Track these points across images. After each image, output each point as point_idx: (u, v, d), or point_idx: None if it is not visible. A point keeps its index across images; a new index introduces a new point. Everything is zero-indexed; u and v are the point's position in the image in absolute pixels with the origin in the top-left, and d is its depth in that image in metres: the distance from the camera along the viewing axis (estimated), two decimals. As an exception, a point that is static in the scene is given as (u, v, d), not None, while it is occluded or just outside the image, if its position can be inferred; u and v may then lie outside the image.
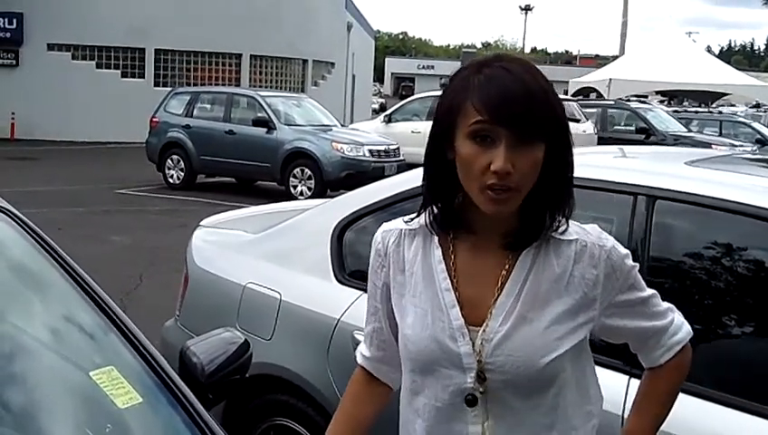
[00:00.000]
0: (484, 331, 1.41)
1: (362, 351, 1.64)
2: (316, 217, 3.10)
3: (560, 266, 1.42)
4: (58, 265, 1.77)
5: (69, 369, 1.62)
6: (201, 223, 3.61)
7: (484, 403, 1.42)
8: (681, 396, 2.03)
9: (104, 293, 1.74)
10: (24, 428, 1.47)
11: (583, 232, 1.45)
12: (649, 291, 1.53)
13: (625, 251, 1.48)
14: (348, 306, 2.67)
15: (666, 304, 1.56)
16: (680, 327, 1.56)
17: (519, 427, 1.43)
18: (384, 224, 1.57)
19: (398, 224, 1.54)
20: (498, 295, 1.42)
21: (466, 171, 1.35)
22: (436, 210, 1.46)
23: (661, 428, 1.98)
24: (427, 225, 1.47)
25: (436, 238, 1.47)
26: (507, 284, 1.42)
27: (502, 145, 1.31)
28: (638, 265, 1.51)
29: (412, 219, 1.52)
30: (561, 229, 1.43)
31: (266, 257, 3.08)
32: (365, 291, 2.86)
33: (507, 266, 1.43)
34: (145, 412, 1.55)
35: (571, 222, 1.46)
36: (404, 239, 1.51)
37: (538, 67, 1.41)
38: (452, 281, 1.44)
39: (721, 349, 2.22)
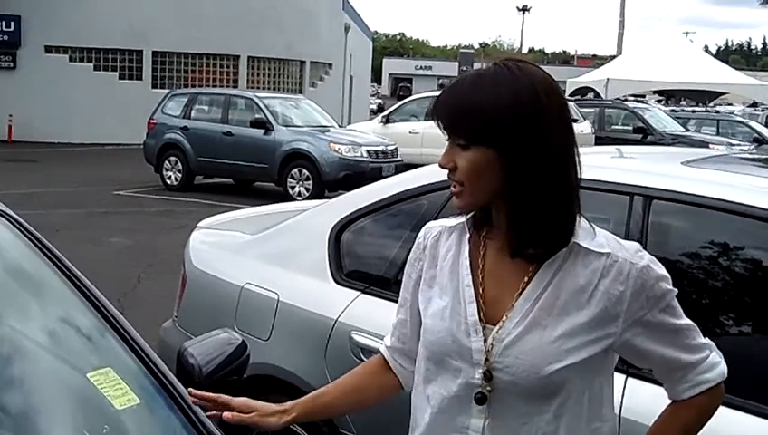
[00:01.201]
0: (497, 331, 1.43)
1: (385, 340, 1.68)
2: (314, 218, 3.11)
3: (584, 278, 1.42)
4: (55, 267, 1.77)
5: (66, 370, 1.63)
6: (199, 224, 3.62)
7: (491, 402, 1.44)
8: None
9: (101, 294, 1.74)
10: (22, 429, 1.47)
11: (619, 247, 1.44)
12: (686, 321, 1.48)
13: (662, 273, 1.44)
14: (345, 307, 2.67)
15: (704, 340, 1.51)
16: (714, 366, 1.50)
17: (520, 429, 1.44)
18: (430, 222, 1.62)
19: (442, 222, 1.58)
20: (517, 299, 1.44)
21: None
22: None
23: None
24: (465, 222, 1.51)
25: (467, 235, 1.51)
26: (528, 288, 1.43)
27: (448, 144, 1.42)
28: (676, 290, 1.46)
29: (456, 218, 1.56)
30: (592, 240, 1.42)
31: (264, 258, 3.09)
32: (363, 291, 2.87)
33: (531, 271, 1.44)
34: (142, 413, 1.56)
35: (610, 235, 1.46)
36: (443, 235, 1.55)
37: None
38: (475, 278, 1.47)
39: (719, 349, 2.23)
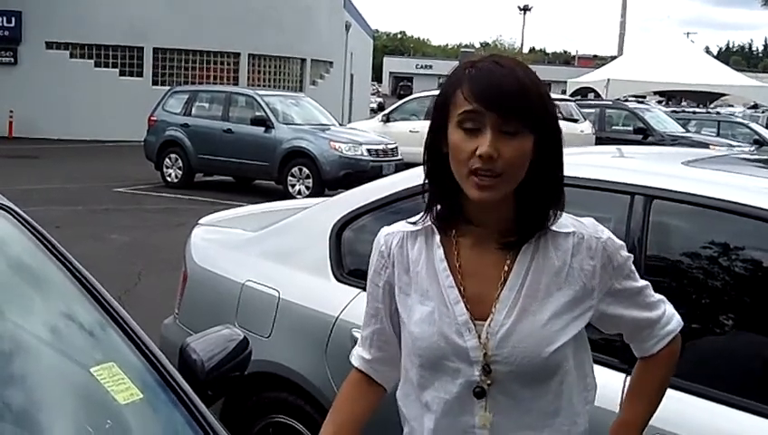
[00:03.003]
0: (489, 325, 1.46)
1: (361, 354, 1.66)
2: (315, 216, 3.11)
3: (559, 259, 1.47)
4: (58, 261, 1.77)
5: (70, 365, 1.63)
6: (200, 221, 3.62)
7: (492, 394, 1.46)
8: (675, 393, 2.05)
9: (104, 289, 1.75)
10: (26, 423, 1.48)
11: (580, 225, 1.51)
12: (643, 282, 1.58)
13: (620, 242, 1.53)
14: (346, 304, 2.68)
15: (657, 296, 1.61)
16: (671, 318, 1.61)
17: (526, 415, 1.47)
18: (385, 228, 1.60)
19: (399, 226, 1.57)
20: (501, 290, 1.46)
21: (455, 158, 1.41)
22: (438, 209, 1.51)
23: (655, 425, 2.00)
24: (432, 223, 1.51)
25: (437, 237, 1.51)
26: (509, 278, 1.47)
27: (488, 131, 1.36)
28: (632, 256, 1.56)
29: (414, 222, 1.55)
30: (557, 222, 1.48)
31: (265, 256, 3.09)
32: (363, 289, 2.87)
33: (509, 261, 1.47)
34: (145, 408, 1.56)
35: (566, 215, 1.50)
36: (407, 241, 1.55)
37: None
38: (455, 278, 1.49)
39: (717, 347, 2.24)
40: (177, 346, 1.81)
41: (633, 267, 1.55)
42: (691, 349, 2.25)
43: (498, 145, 1.36)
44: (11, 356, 1.61)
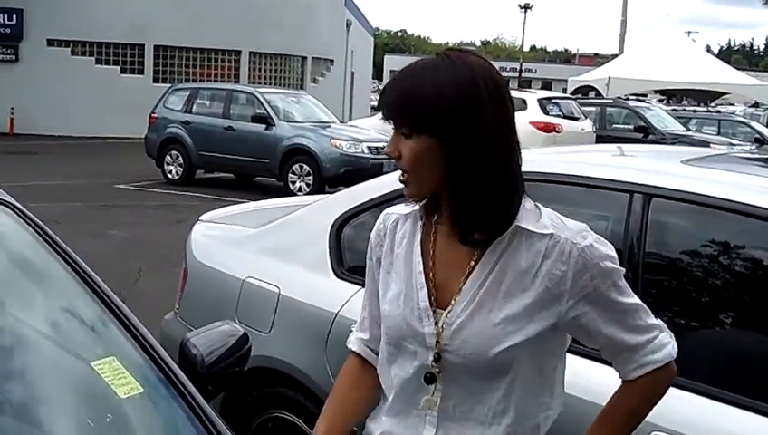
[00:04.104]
0: (446, 315, 1.49)
1: (359, 335, 1.70)
2: (315, 213, 3.12)
3: (527, 260, 1.46)
4: (60, 257, 1.78)
5: (71, 359, 1.64)
6: (200, 218, 3.63)
7: (443, 382, 1.49)
8: (679, 393, 2.06)
9: (105, 285, 1.76)
10: (27, 417, 1.49)
11: (562, 227, 1.47)
12: (634, 301, 1.51)
13: (606, 252, 1.47)
14: (346, 301, 2.69)
15: (653, 321, 1.53)
16: (662, 347, 1.52)
17: (474, 407, 1.49)
18: (388, 208, 1.65)
19: (399, 209, 1.62)
20: (464, 283, 1.48)
21: None
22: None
23: (659, 423, 2.01)
24: (418, 209, 1.56)
25: (420, 223, 1.55)
26: (473, 272, 1.48)
27: (393, 131, 1.46)
28: (623, 269, 1.50)
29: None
30: (536, 223, 1.46)
31: (265, 252, 3.10)
32: (363, 286, 2.88)
33: (476, 256, 1.48)
34: (146, 402, 1.57)
35: (555, 216, 1.49)
36: (400, 222, 1.60)
37: (477, 63, 1.44)
38: (425, 264, 1.52)
39: (716, 346, 2.24)
40: (177, 342, 1.82)
41: (623, 283, 1.49)
42: (690, 348, 2.26)
43: (399, 145, 1.44)
44: (13, 350, 1.62)
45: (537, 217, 1.47)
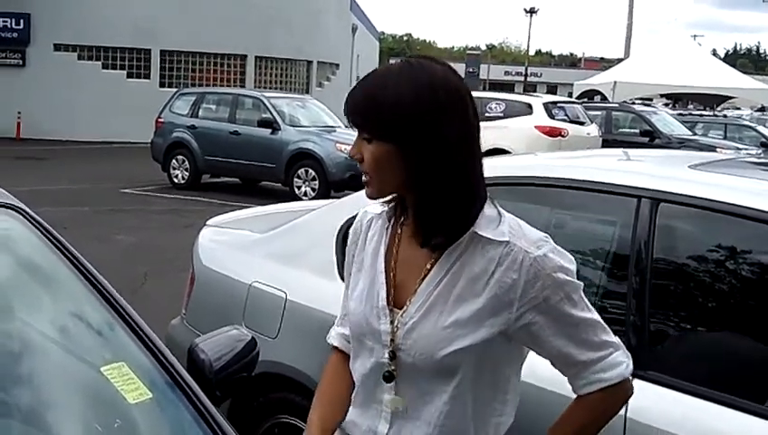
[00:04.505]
0: (402, 315, 1.52)
1: (340, 331, 1.74)
2: (322, 218, 3.12)
3: (480, 266, 1.48)
4: (69, 262, 1.79)
5: (81, 364, 1.64)
6: (207, 222, 3.64)
7: (401, 380, 1.53)
8: (683, 397, 2.05)
9: (114, 290, 1.76)
10: (37, 421, 1.49)
11: (519, 235, 1.48)
12: (589, 316, 1.51)
13: (561, 263, 1.47)
14: (353, 306, 2.69)
15: (609, 338, 1.53)
16: (614, 366, 1.52)
17: (423, 407, 1.52)
18: (366, 207, 1.67)
19: (375, 208, 1.64)
20: (420, 284, 1.52)
21: None
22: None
23: (666, 428, 2.00)
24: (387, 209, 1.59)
25: (389, 223, 1.59)
26: (429, 275, 1.51)
27: (357, 136, 1.50)
28: (581, 284, 1.49)
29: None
30: (495, 229, 1.47)
31: (272, 257, 3.11)
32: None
33: (432, 259, 1.51)
34: (155, 408, 1.58)
35: (516, 223, 1.50)
36: (374, 221, 1.63)
37: (439, 68, 1.48)
38: (387, 264, 1.56)
39: (723, 351, 2.24)
40: (183, 347, 1.83)
41: (579, 297, 1.49)
42: (698, 352, 2.26)
43: (361, 149, 1.48)
44: (23, 355, 1.63)
45: (496, 224, 1.49)
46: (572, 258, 1.51)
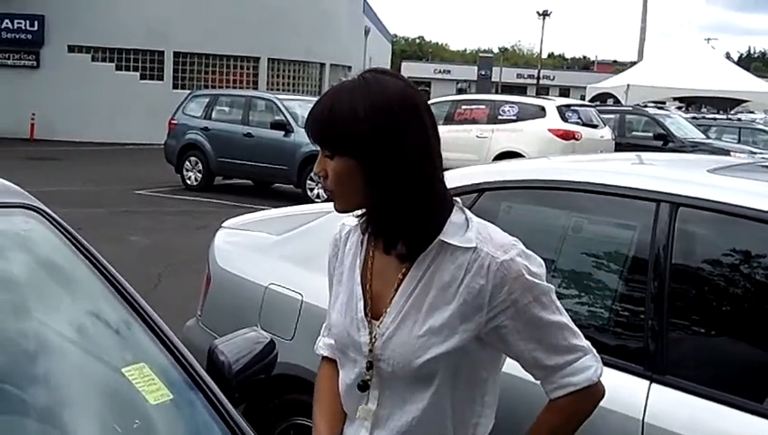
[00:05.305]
0: (379, 325, 1.55)
1: (327, 342, 1.75)
2: (338, 220, 3.12)
3: (449, 274, 1.50)
4: (89, 262, 1.80)
5: (101, 365, 1.65)
6: (223, 224, 3.64)
7: (377, 389, 1.56)
8: (703, 402, 2.04)
9: (134, 290, 1.77)
10: (58, 421, 1.50)
11: (486, 241, 1.50)
12: (559, 319, 1.52)
13: (528, 267, 1.48)
14: (369, 308, 2.68)
15: (579, 342, 1.54)
16: (583, 370, 1.53)
17: (402, 416, 1.54)
18: (345, 219, 1.68)
19: (351, 220, 1.66)
20: (394, 295, 1.54)
21: None
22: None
23: (684, 433, 1.99)
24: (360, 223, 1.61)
25: (365, 236, 1.61)
26: (402, 285, 1.53)
27: (320, 154, 1.51)
28: (551, 287, 1.51)
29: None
30: (462, 237, 1.49)
31: (288, 259, 3.11)
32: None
33: (404, 269, 1.53)
34: (175, 409, 1.58)
35: (485, 229, 1.52)
36: (351, 234, 1.65)
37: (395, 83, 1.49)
38: (364, 276, 1.58)
39: (743, 356, 2.22)
40: (200, 348, 1.84)
41: (550, 299, 1.50)
42: (717, 357, 2.24)
43: (325, 165, 1.50)
44: (45, 356, 1.64)
45: (464, 230, 1.50)
46: (542, 262, 1.53)
